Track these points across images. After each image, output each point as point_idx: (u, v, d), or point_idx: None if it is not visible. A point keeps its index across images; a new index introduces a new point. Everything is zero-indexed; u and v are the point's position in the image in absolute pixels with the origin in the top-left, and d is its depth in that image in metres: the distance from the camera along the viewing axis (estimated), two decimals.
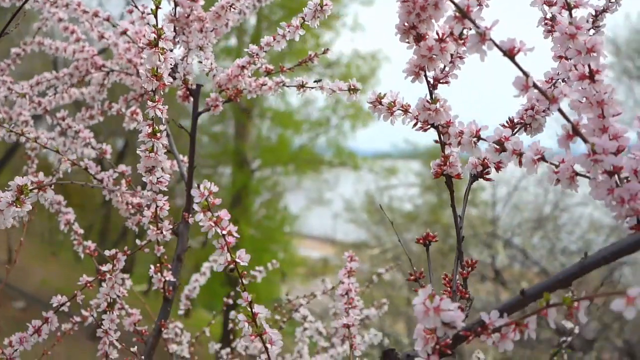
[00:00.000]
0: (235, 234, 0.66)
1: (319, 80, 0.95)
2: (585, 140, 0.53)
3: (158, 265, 1.00)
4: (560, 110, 0.53)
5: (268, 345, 0.67)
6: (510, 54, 0.53)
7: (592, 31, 0.74)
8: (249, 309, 0.68)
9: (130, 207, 1.06)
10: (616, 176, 0.54)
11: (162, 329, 1.03)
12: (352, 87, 0.89)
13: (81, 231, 1.15)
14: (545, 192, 7.50)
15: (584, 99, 0.57)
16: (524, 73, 0.53)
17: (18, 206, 0.70)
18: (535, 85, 0.52)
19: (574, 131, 0.54)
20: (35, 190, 0.68)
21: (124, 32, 1.11)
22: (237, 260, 0.66)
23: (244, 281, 0.67)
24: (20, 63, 1.40)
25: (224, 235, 0.65)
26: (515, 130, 0.72)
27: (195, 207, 0.64)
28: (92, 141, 1.16)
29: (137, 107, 1.23)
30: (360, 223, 10.00)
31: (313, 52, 1.06)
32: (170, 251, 1.12)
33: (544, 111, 0.70)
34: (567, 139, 0.54)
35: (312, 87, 0.97)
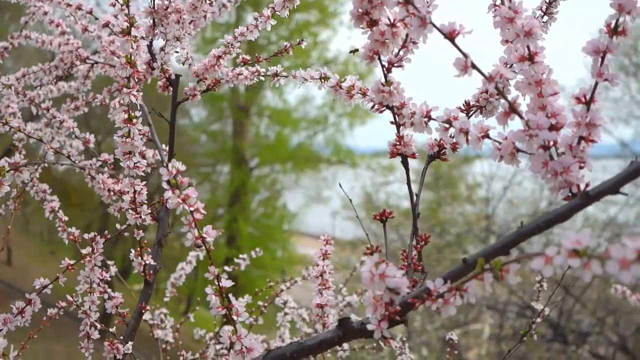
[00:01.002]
0: (203, 211, 0.69)
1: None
2: (521, 117, 0.57)
3: (138, 249, 1.03)
4: (497, 89, 0.57)
5: (234, 317, 0.71)
6: (450, 36, 0.56)
7: (545, 17, 0.78)
8: (217, 283, 0.72)
9: (112, 193, 1.10)
10: (553, 150, 0.58)
11: (143, 311, 1.06)
12: (324, 75, 0.93)
13: (66, 218, 1.18)
14: (540, 187, 7.54)
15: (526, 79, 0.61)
16: (464, 54, 0.56)
17: None
18: (473, 66, 0.56)
19: (511, 109, 0.57)
20: (12, 171, 0.71)
21: (106, 25, 1.14)
22: (204, 235, 0.69)
23: (210, 256, 0.71)
24: (18, 63, 1.43)
25: (192, 212, 0.69)
26: (471, 112, 0.75)
27: (164, 185, 0.68)
28: (76, 130, 1.19)
29: (120, 98, 1.27)
30: (358, 221, 9.99)
31: (289, 43, 1.10)
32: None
33: (497, 94, 0.73)
34: (504, 116, 0.58)
35: (285, 76, 1.01)
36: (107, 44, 1.22)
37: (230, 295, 0.71)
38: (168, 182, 0.67)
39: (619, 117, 8.73)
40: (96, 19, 1.19)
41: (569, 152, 0.57)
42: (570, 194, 0.56)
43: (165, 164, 0.67)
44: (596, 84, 0.58)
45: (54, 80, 1.28)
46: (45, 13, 1.27)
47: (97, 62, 1.28)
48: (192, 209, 0.69)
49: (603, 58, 0.57)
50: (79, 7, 1.19)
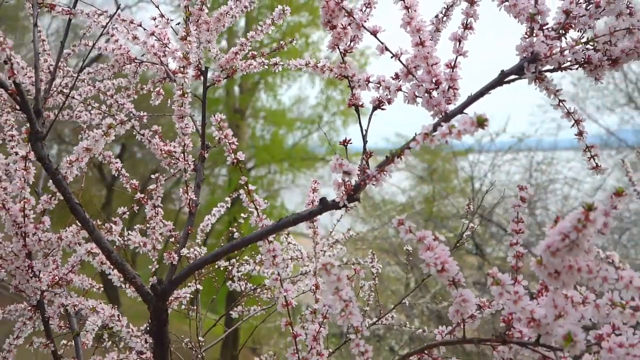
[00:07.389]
0: (236, 143, 1.15)
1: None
2: (413, 75, 1.03)
3: (185, 187, 1.49)
4: (400, 61, 1.03)
5: (258, 207, 1.17)
6: (374, 33, 1.02)
7: (445, 18, 1.24)
8: (246, 187, 1.18)
9: (162, 152, 1.55)
10: (434, 93, 1.04)
11: (189, 232, 1.52)
12: (307, 62, 1.38)
13: (127, 175, 1.64)
14: (525, 170, 8.04)
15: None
16: (381, 43, 1.02)
17: (106, 136, 1.19)
18: (386, 48, 1.02)
19: (408, 72, 1.03)
20: (119, 124, 1.17)
21: (152, 34, 1.60)
22: (238, 157, 1.15)
23: (242, 171, 1.17)
24: None
25: (230, 143, 1.15)
26: (399, 79, 1.21)
27: (213, 128, 1.14)
28: (132, 110, 1.64)
29: (161, 88, 1.73)
30: (357, 217, 10.45)
31: (283, 42, 1.57)
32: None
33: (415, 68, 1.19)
34: (405, 75, 1.04)
35: (282, 64, 1.47)
36: (150, 48, 1.68)
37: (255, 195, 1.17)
38: (214, 125, 1.14)
39: (604, 105, 9.21)
40: (144, 29, 1.65)
41: (442, 95, 1.03)
42: (441, 117, 1.02)
43: (211, 115, 1.13)
44: (456, 57, 1.04)
45: (113, 75, 1.74)
46: (104, 27, 1.73)
47: (142, 62, 1.74)
48: (230, 141, 1.15)
49: (460, 42, 1.03)
50: (131, 22, 1.65)
